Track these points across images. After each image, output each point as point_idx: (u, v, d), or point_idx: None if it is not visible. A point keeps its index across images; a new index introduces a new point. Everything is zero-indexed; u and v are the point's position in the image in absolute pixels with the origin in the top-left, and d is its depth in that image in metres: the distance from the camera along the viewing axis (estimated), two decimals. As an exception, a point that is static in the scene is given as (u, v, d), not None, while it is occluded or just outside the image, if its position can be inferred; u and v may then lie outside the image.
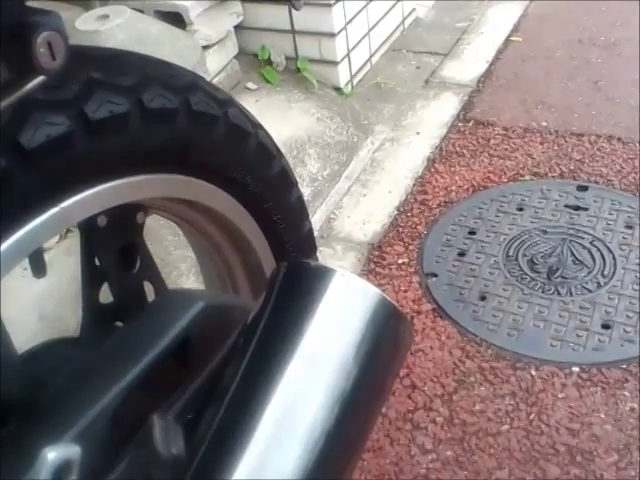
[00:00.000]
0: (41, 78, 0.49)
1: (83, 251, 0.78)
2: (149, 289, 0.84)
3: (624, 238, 1.68)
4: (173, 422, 0.61)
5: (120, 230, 0.78)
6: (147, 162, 0.69)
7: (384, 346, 0.68)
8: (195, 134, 0.73)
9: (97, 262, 0.79)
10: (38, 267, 0.81)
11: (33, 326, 1.41)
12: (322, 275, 0.67)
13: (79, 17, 1.76)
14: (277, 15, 2.17)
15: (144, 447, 0.59)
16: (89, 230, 0.76)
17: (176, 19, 1.98)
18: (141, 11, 1.90)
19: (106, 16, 1.74)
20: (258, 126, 0.83)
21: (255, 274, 0.92)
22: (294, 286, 0.68)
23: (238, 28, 2.20)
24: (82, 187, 0.63)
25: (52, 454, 0.57)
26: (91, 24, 1.72)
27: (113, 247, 0.78)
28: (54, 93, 0.59)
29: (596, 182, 1.86)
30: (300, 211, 0.93)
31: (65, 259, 1.48)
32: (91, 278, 0.79)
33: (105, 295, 0.80)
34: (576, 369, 1.39)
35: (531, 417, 1.31)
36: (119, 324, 0.82)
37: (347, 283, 0.66)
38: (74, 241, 0.77)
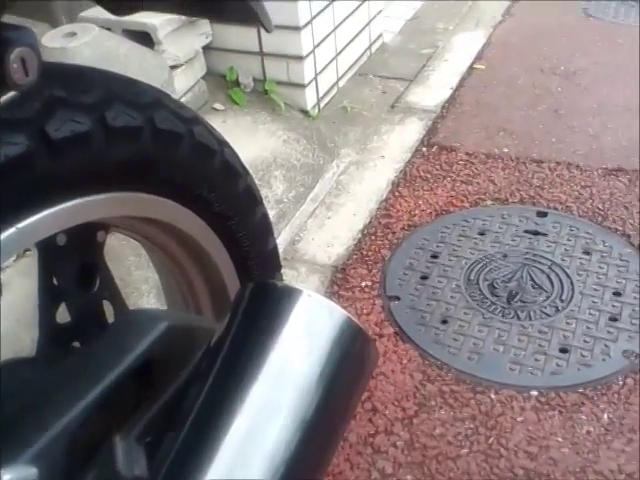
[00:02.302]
0: (12, 93, 0.49)
1: (41, 270, 0.77)
2: (109, 309, 0.83)
3: (582, 264, 1.71)
4: (135, 443, 0.60)
5: (79, 249, 0.77)
6: (109, 180, 0.69)
7: (349, 367, 0.68)
8: (159, 152, 0.73)
9: (55, 281, 0.78)
10: (-6, 287, 0.80)
11: (-12, 345, 1.37)
12: (288, 295, 0.67)
13: (46, 34, 1.75)
14: (246, 37, 2.19)
15: (105, 468, 0.58)
16: (47, 248, 0.75)
17: (144, 38, 1.98)
18: (109, 29, 1.90)
19: (73, 33, 1.74)
20: (224, 143, 0.83)
21: (218, 293, 0.92)
22: (260, 306, 0.68)
23: (206, 49, 2.21)
24: (41, 207, 0.62)
25: (7, 476, 0.56)
26: (58, 41, 1.71)
27: (72, 266, 0.77)
28: (14, 111, 0.58)
29: (555, 208, 1.91)
30: (265, 229, 0.93)
31: (21, 278, 1.45)
32: (48, 297, 0.78)
33: (63, 315, 0.79)
34: (534, 393, 1.41)
35: (490, 441, 1.32)
36: (77, 344, 0.81)
37: (313, 304, 0.67)
38: (32, 260, 0.75)
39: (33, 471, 0.57)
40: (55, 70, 0.69)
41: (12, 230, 0.59)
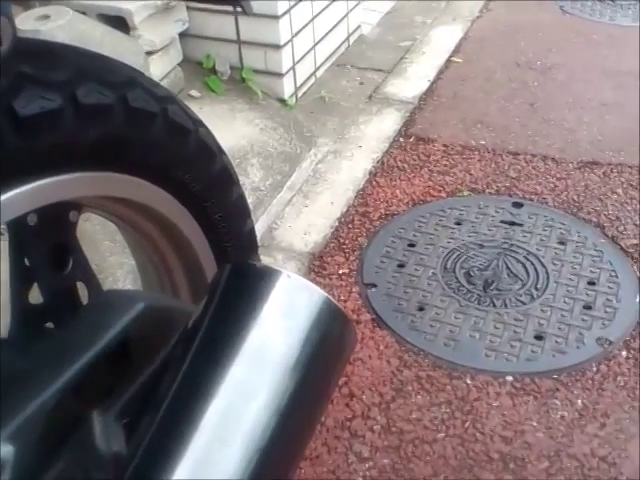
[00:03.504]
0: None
1: (12, 250, 0.75)
2: (84, 291, 0.82)
3: (557, 253, 1.73)
4: (113, 419, 0.59)
5: (51, 229, 0.75)
6: (81, 159, 0.67)
7: (328, 347, 0.68)
8: (132, 131, 0.72)
9: (27, 262, 0.76)
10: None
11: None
12: (267, 276, 0.66)
13: (19, 16, 1.72)
14: (223, 24, 2.17)
15: (83, 445, 0.57)
16: (18, 228, 0.73)
17: (120, 23, 1.95)
18: (84, 13, 1.86)
19: (47, 16, 1.70)
20: (199, 123, 0.82)
21: (195, 274, 0.91)
22: (238, 287, 0.67)
23: (183, 35, 2.18)
24: (10, 186, 0.60)
25: None
26: (31, 24, 1.68)
27: (43, 246, 0.76)
28: None
29: (531, 199, 1.92)
30: (241, 210, 0.92)
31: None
32: (20, 278, 0.76)
33: (37, 296, 0.78)
34: (510, 378, 1.42)
35: (466, 425, 1.33)
36: (50, 325, 0.79)
37: (292, 284, 0.66)
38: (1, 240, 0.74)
39: (9, 449, 0.57)
40: (24, 46, 0.67)
41: None
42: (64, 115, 0.63)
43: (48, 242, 0.76)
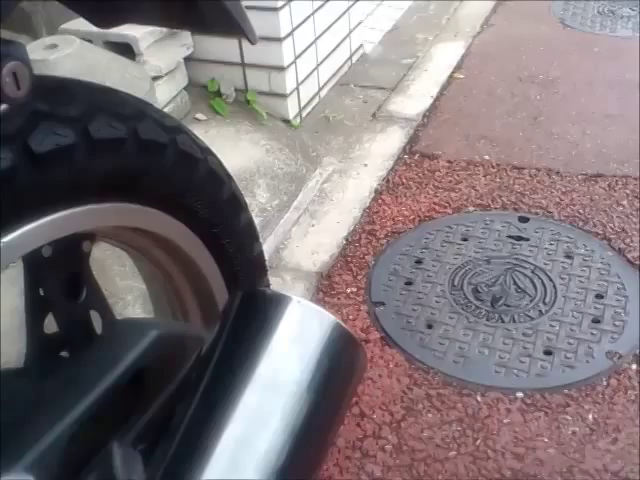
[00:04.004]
0: (3, 107, 0.49)
1: (27, 281, 0.77)
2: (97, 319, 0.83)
3: (564, 267, 1.74)
4: (132, 449, 0.60)
5: (65, 260, 0.77)
6: (94, 191, 0.69)
7: (340, 372, 0.69)
8: (143, 162, 0.73)
9: (41, 292, 0.77)
10: (-21, 301, 0.79)
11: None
12: (278, 302, 0.68)
13: (27, 46, 1.75)
14: (227, 48, 2.20)
15: (103, 474, 0.58)
16: (33, 260, 0.75)
17: (126, 50, 1.98)
18: (90, 41, 1.90)
19: (54, 45, 1.74)
20: (207, 152, 0.84)
21: (205, 300, 0.92)
22: (250, 314, 0.69)
23: (188, 60, 2.22)
24: (26, 220, 0.62)
25: None
26: (39, 53, 1.71)
27: (58, 277, 0.77)
28: None
29: (536, 213, 1.93)
30: (250, 234, 0.94)
31: (5, 289, 1.44)
32: (35, 308, 0.78)
33: (51, 325, 0.79)
34: (520, 394, 1.43)
35: (477, 443, 1.33)
36: (65, 354, 0.80)
37: (303, 310, 0.67)
38: (15, 271, 0.75)
39: (29, 479, 0.57)
40: (37, 83, 0.69)
41: None
42: (77, 150, 0.64)
43: (62, 272, 0.77)
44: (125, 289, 1.56)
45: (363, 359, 0.71)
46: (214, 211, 0.86)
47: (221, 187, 0.86)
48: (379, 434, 1.36)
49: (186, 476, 0.58)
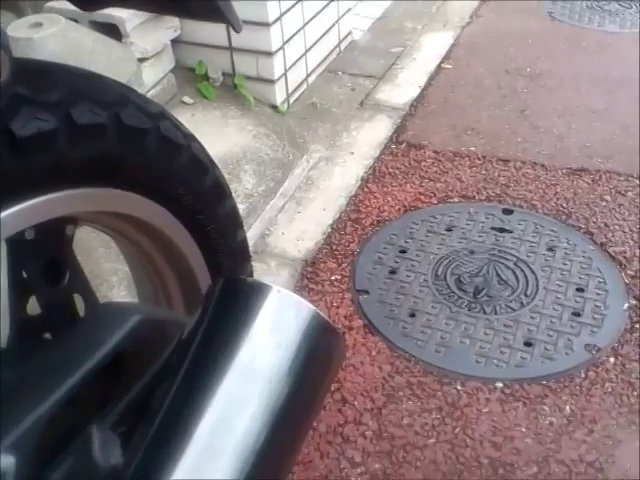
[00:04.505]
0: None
1: (10, 263, 0.76)
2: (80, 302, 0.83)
3: (546, 260, 1.75)
4: (111, 433, 0.60)
5: (48, 243, 0.77)
6: (76, 176, 0.69)
7: (317, 360, 0.69)
8: (126, 148, 0.73)
9: (24, 274, 0.77)
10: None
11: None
12: (258, 291, 0.68)
13: (11, 23, 1.73)
14: (215, 31, 2.18)
15: (82, 457, 0.58)
16: (16, 243, 0.74)
17: (112, 30, 1.96)
18: (76, 21, 1.87)
19: (39, 24, 1.71)
20: (191, 138, 0.84)
21: (188, 285, 0.92)
22: (230, 301, 0.69)
23: (175, 42, 2.20)
24: (8, 204, 0.62)
25: None
26: (23, 31, 1.69)
27: (41, 260, 0.77)
28: None
29: (520, 206, 1.94)
30: (234, 221, 0.94)
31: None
32: (18, 290, 0.77)
33: (34, 307, 0.79)
34: (499, 385, 1.44)
35: (456, 431, 1.35)
36: (47, 336, 0.80)
37: (282, 299, 0.68)
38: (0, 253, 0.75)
39: (11, 459, 0.58)
40: (20, 67, 0.68)
41: None
42: (59, 135, 0.64)
43: (45, 256, 0.77)
44: (110, 271, 1.55)
45: (341, 348, 0.72)
46: (197, 197, 0.86)
47: (205, 174, 0.86)
48: (360, 420, 1.37)
49: (164, 458, 0.59)
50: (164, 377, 0.67)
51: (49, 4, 1.95)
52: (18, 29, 1.71)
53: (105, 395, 0.71)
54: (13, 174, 0.61)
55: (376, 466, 1.28)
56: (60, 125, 0.64)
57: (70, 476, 0.60)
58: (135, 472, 0.59)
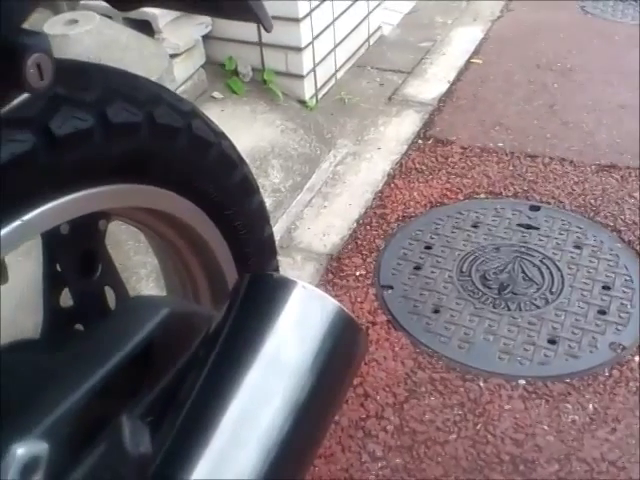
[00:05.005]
0: (26, 95, 0.51)
1: (45, 257, 0.80)
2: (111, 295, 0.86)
3: (572, 257, 1.75)
4: (140, 422, 0.63)
5: (82, 237, 0.79)
6: (110, 173, 0.71)
7: (340, 355, 0.71)
8: (158, 146, 0.75)
9: (58, 267, 0.80)
10: (-2, 275, 0.82)
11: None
12: (284, 286, 0.70)
13: (47, 20, 1.77)
14: (245, 27, 2.20)
15: (112, 445, 0.61)
16: (51, 236, 0.77)
17: (145, 27, 2.00)
18: (110, 17, 1.91)
19: (75, 21, 1.75)
20: (221, 135, 0.86)
21: (216, 280, 0.95)
22: (256, 296, 0.71)
23: (206, 38, 2.22)
24: (45, 200, 0.64)
25: (21, 450, 0.59)
26: (59, 28, 1.73)
27: (74, 253, 0.80)
28: (20, 109, 0.60)
29: (548, 203, 1.94)
30: (261, 217, 0.96)
31: (21, 263, 1.47)
32: (52, 283, 0.81)
33: (67, 299, 0.82)
34: (522, 382, 1.45)
35: (478, 427, 1.36)
36: (79, 327, 0.83)
37: (307, 294, 0.70)
38: (32, 245, 0.78)
39: (44, 446, 0.60)
40: (58, 67, 0.71)
41: (18, 223, 0.61)
42: (95, 133, 0.67)
43: (79, 249, 0.80)
44: (139, 264, 1.59)
45: (364, 344, 0.74)
46: (226, 194, 0.88)
47: (234, 170, 0.88)
48: (382, 415, 1.39)
49: (190, 448, 0.61)
50: (191, 369, 0.69)
51: (84, 1, 1.99)
52: (54, 26, 1.75)
53: (135, 386, 0.73)
54: (50, 171, 0.64)
55: (397, 461, 1.30)
56: (96, 124, 0.66)
57: (100, 463, 0.62)
58: (162, 460, 0.61)
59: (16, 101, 0.52)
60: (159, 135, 0.75)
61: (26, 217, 0.62)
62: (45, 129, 0.62)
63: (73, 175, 0.67)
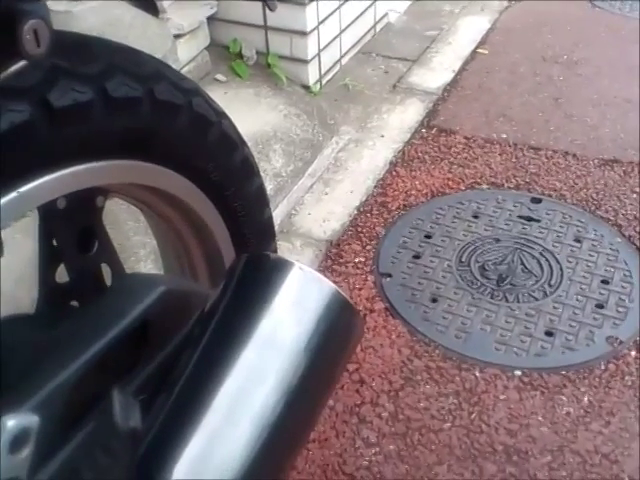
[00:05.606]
0: (23, 63, 0.51)
1: (41, 231, 0.79)
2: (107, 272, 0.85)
3: (572, 251, 1.74)
4: (131, 398, 0.63)
5: (79, 213, 0.78)
6: (109, 148, 0.70)
7: (336, 337, 0.71)
8: (158, 122, 0.74)
9: (55, 242, 0.80)
10: (-5, 248, 0.81)
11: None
12: (281, 267, 0.70)
13: (51, -4, 1.75)
14: (250, 10, 2.19)
15: (103, 419, 0.61)
16: (47, 211, 0.76)
17: (149, 6, 1.97)
18: (114, -5, 1.89)
19: (79, -3, 1.74)
20: (222, 115, 0.85)
21: (213, 260, 0.94)
22: (253, 276, 0.71)
23: (211, 19, 2.21)
24: (42, 173, 0.63)
25: (11, 422, 0.58)
26: (63, 4, 1.71)
27: (71, 229, 0.79)
28: (18, 79, 0.59)
29: (549, 195, 1.93)
30: (261, 199, 0.95)
31: (20, 238, 1.47)
32: (48, 258, 0.80)
33: (63, 275, 0.82)
34: (518, 373, 1.45)
35: (472, 416, 1.36)
36: (74, 303, 0.83)
37: (304, 276, 0.69)
38: (30, 220, 0.78)
39: (35, 419, 0.60)
40: (58, 39, 0.70)
41: (14, 194, 0.61)
42: (94, 107, 0.66)
43: (76, 225, 0.79)
44: (138, 244, 1.58)
45: (360, 327, 0.73)
46: (226, 174, 0.87)
47: (234, 151, 0.88)
48: (377, 401, 1.39)
49: (182, 426, 0.61)
50: (186, 347, 0.69)
51: (88, -22, 1.97)
52: (58, 2, 1.73)
53: (129, 363, 0.73)
54: (48, 143, 0.63)
55: (391, 447, 1.30)
56: (95, 97, 0.65)
57: (91, 436, 0.62)
58: (154, 437, 0.61)
59: (13, 68, 0.51)
60: (159, 111, 0.74)
61: (22, 189, 0.62)
62: (43, 100, 0.61)
63: (71, 148, 0.66)
